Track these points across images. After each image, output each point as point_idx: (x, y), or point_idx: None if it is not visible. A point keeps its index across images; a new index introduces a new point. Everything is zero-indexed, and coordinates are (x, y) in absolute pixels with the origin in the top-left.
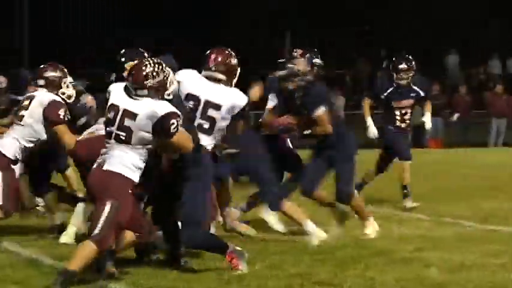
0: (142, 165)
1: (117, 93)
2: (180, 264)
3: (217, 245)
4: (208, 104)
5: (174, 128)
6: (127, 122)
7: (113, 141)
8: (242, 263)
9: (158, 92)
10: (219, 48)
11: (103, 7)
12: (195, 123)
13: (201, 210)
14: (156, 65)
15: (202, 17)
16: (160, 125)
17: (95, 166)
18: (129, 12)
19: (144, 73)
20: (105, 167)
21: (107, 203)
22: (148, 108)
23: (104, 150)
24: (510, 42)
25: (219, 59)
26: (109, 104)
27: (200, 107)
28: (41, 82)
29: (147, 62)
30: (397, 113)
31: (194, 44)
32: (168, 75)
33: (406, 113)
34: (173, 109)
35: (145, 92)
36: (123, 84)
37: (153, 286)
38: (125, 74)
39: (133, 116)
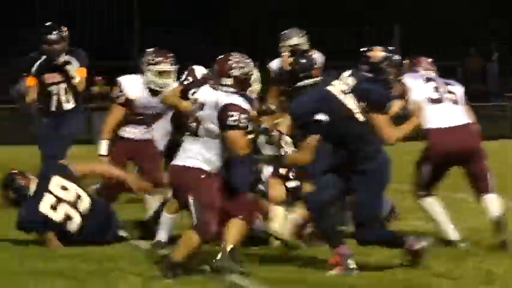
0: (217, 158)
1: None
2: None
3: (394, 240)
4: None
5: (232, 121)
6: (198, 114)
7: (187, 133)
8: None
9: (242, 84)
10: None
11: None
12: None
13: (375, 207)
14: (243, 58)
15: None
16: (220, 115)
17: (173, 162)
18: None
19: (230, 63)
20: (180, 163)
21: (189, 197)
22: (215, 97)
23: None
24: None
25: None
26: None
27: None
28: None
29: (234, 54)
30: None
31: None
32: (252, 73)
33: None
34: (240, 103)
35: (230, 81)
36: None
37: (276, 278)
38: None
39: (201, 106)
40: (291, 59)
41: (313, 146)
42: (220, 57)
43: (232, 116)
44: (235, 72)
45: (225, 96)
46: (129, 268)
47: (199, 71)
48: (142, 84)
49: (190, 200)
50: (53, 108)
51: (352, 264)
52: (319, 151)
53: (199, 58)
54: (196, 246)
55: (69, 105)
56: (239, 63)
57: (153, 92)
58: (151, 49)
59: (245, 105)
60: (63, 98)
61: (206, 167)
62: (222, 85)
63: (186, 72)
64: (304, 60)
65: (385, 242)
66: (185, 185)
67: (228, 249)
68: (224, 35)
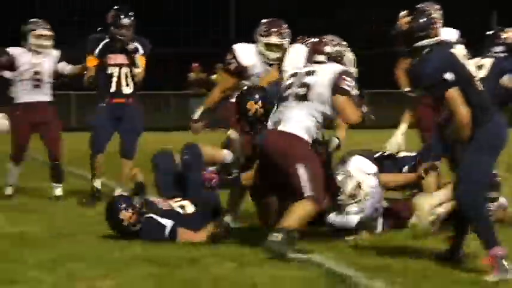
0: (315, 132)
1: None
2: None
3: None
4: None
5: (347, 86)
6: (307, 79)
7: (291, 100)
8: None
9: (334, 62)
10: None
11: None
12: None
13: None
14: (337, 38)
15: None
16: (335, 82)
17: (268, 129)
18: None
19: (324, 41)
20: (281, 128)
21: (299, 166)
22: (326, 67)
23: (278, 113)
24: None
25: None
26: (290, 73)
27: None
28: None
29: (328, 36)
30: None
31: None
32: (345, 53)
33: None
34: (349, 72)
35: (323, 57)
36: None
37: (376, 266)
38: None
39: (312, 73)
40: (408, 19)
41: (460, 98)
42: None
43: (347, 81)
44: (328, 49)
45: (335, 65)
46: (224, 252)
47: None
48: (256, 54)
49: (301, 169)
50: (112, 90)
51: (507, 264)
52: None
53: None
54: (310, 216)
55: (128, 90)
56: (333, 41)
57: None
58: (266, 20)
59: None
60: (123, 81)
61: (307, 137)
62: (316, 62)
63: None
64: (423, 19)
65: (480, 225)
66: (291, 153)
67: (289, 228)
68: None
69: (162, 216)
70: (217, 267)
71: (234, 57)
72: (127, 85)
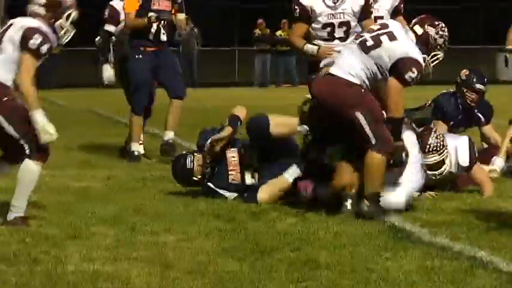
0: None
1: None
2: None
3: None
4: None
5: (410, 77)
6: (383, 38)
7: (356, 42)
8: None
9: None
10: None
11: None
12: None
13: None
14: None
15: None
16: (401, 65)
17: (322, 75)
18: None
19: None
20: (333, 71)
21: (357, 114)
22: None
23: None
24: None
25: None
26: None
27: None
28: None
29: None
30: None
31: None
32: None
33: None
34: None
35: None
36: None
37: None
38: None
39: (393, 37)
40: None
41: None
42: None
43: (413, 73)
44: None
45: None
46: (286, 208)
47: None
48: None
49: (360, 117)
50: (151, 37)
51: None
52: None
53: None
54: (383, 164)
55: (164, 37)
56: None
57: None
58: None
59: None
60: (162, 28)
61: (358, 81)
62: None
63: None
64: None
65: None
66: (347, 99)
67: (372, 193)
68: None
69: (222, 188)
70: (280, 222)
71: (295, 2)
72: (163, 33)
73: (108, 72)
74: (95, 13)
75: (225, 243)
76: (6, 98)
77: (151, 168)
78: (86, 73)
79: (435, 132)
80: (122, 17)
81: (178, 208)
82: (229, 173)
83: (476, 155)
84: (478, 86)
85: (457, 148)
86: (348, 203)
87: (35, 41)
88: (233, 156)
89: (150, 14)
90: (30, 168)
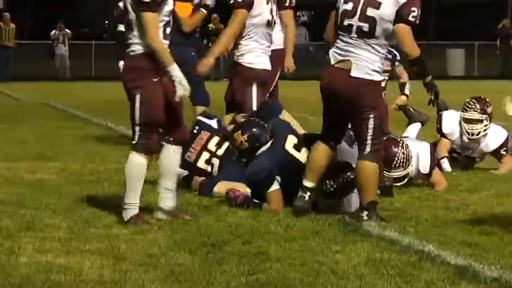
0: (382, 68)
1: None
2: None
3: None
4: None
5: (413, 17)
6: (370, 12)
7: (353, 35)
8: None
9: None
10: None
11: None
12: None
13: None
14: None
15: None
16: (401, 10)
17: (335, 67)
18: None
19: None
20: (354, 74)
21: (370, 115)
22: None
23: (341, 45)
24: None
25: None
26: None
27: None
28: None
29: None
30: None
31: None
32: None
33: None
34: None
35: None
36: None
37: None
38: None
39: (377, 4)
40: None
41: None
42: None
43: (414, 11)
44: None
45: None
46: None
47: None
48: None
49: (371, 119)
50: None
51: None
52: None
53: None
54: (377, 172)
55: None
56: None
57: None
58: None
59: None
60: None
61: (378, 77)
62: None
63: None
64: None
65: None
66: (363, 100)
67: (369, 202)
68: None
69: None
70: (232, 216)
71: None
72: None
73: None
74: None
75: (177, 235)
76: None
77: (106, 161)
78: (41, 66)
79: (402, 146)
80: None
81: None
82: (189, 150)
83: (435, 161)
84: None
85: (419, 155)
86: (306, 195)
87: None
88: (202, 138)
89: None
90: (137, 161)
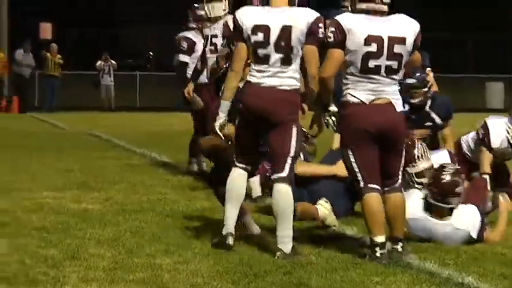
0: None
1: (363, 23)
2: None
3: None
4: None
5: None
6: (397, 49)
7: (383, 74)
8: None
9: None
10: None
11: None
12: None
13: None
14: None
15: None
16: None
17: (376, 103)
18: None
19: None
20: (398, 109)
21: (404, 147)
22: (411, 25)
23: (369, 87)
24: None
25: None
26: (365, 35)
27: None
28: None
29: None
30: None
31: None
32: None
33: None
34: None
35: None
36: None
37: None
38: None
39: (402, 40)
40: None
41: None
42: None
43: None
44: None
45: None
46: None
47: None
48: None
49: (403, 148)
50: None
51: None
52: None
53: None
54: (381, 207)
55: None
56: None
57: None
58: None
59: None
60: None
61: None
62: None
63: None
64: None
65: None
66: (398, 128)
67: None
68: None
69: None
70: (273, 246)
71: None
72: None
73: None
74: (94, 38)
75: (220, 266)
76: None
77: (149, 191)
78: (86, 96)
79: (417, 140)
80: (198, 47)
81: (175, 231)
82: None
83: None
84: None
85: (438, 160)
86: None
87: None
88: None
89: None
90: (289, 193)
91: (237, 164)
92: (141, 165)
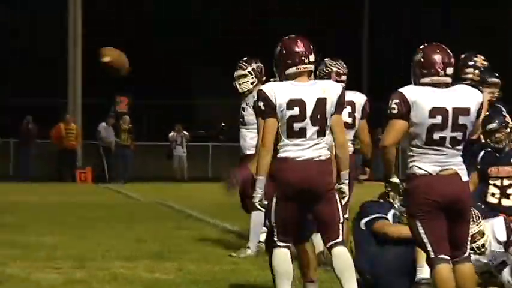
0: None
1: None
2: None
3: None
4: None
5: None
6: (462, 120)
7: (448, 146)
8: None
9: None
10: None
11: None
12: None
13: None
14: None
15: None
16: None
17: (444, 174)
18: None
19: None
20: (464, 179)
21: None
22: (474, 96)
23: (435, 158)
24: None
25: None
26: (430, 108)
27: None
28: None
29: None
30: None
31: None
32: None
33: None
34: None
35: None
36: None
37: None
38: None
39: (466, 111)
40: None
41: None
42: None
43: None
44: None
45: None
46: None
47: None
48: None
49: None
50: None
51: None
52: None
53: None
54: (452, 278)
55: None
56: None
57: None
58: None
59: None
60: None
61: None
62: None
63: None
64: None
65: None
66: (466, 199)
67: None
68: None
69: None
70: None
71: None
72: None
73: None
74: (168, 110)
75: None
76: None
77: (221, 261)
78: (159, 167)
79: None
80: None
81: None
82: None
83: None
84: None
85: (493, 225)
86: None
87: None
88: None
89: None
90: (345, 252)
91: (279, 244)
92: (213, 235)
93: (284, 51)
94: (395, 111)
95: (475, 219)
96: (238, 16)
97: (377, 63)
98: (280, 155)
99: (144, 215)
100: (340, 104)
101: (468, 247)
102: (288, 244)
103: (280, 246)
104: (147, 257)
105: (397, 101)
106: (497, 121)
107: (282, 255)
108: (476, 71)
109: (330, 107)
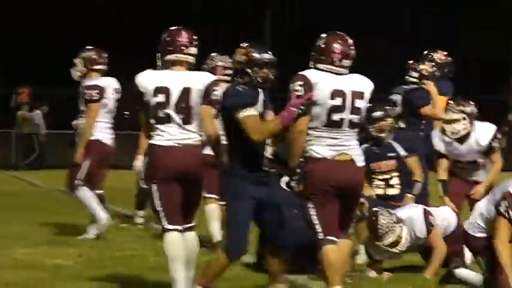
0: None
1: (325, 78)
2: None
3: None
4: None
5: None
6: (358, 103)
7: (346, 128)
8: None
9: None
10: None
11: None
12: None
13: None
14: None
15: None
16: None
17: (340, 159)
18: None
19: (350, 42)
20: (359, 164)
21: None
22: (367, 83)
23: (333, 141)
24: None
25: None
26: (331, 90)
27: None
28: None
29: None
30: None
31: None
32: None
33: None
34: None
35: (350, 62)
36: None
37: None
38: None
39: (361, 95)
40: None
41: None
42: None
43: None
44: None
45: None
46: None
47: None
48: None
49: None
50: None
51: None
52: None
53: None
54: (338, 258)
55: None
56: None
57: None
58: None
59: None
60: None
61: None
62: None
63: None
64: None
65: None
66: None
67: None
68: None
69: None
70: None
71: None
72: None
73: None
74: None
75: None
76: None
77: (122, 247)
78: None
79: (381, 213)
80: None
81: (148, 287)
82: None
83: (431, 224)
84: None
85: (413, 223)
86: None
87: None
88: None
89: None
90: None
91: (168, 227)
92: (114, 221)
93: (168, 39)
94: (299, 93)
95: (390, 229)
96: None
97: None
98: (152, 141)
99: (46, 202)
100: (207, 94)
101: (351, 228)
102: (177, 227)
103: (170, 229)
104: (48, 243)
105: (301, 82)
106: (383, 111)
107: (173, 239)
108: (431, 67)
109: (195, 96)
